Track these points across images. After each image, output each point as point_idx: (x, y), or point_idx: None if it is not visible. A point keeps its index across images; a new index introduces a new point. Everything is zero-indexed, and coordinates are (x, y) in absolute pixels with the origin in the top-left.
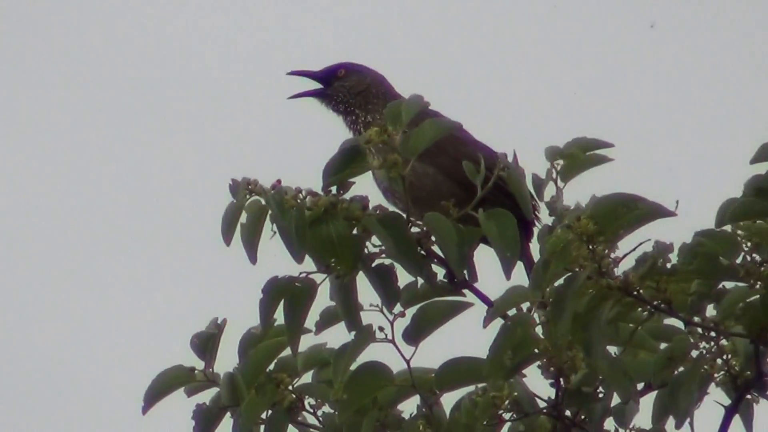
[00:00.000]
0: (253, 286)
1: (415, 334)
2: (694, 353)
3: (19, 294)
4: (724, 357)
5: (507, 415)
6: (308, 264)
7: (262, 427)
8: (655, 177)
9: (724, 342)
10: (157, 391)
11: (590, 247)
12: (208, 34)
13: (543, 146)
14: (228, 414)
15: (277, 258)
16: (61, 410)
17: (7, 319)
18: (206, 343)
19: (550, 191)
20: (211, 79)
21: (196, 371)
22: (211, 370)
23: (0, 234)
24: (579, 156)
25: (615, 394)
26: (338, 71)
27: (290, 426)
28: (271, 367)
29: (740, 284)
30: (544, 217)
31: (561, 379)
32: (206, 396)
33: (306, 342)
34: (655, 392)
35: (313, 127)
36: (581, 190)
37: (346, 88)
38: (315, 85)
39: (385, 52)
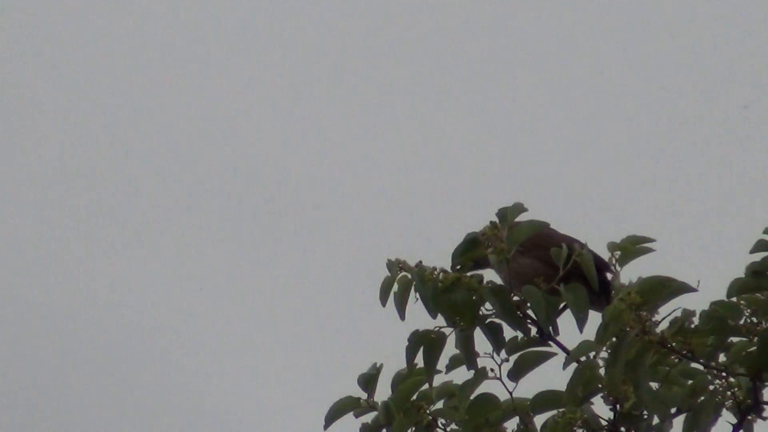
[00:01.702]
0: (401, 337)
1: (516, 373)
2: (711, 387)
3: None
4: (732, 390)
5: (579, 431)
6: (440, 321)
7: None
8: (684, 262)
9: (732, 379)
10: (334, 414)
11: (637, 313)
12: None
13: (605, 239)
14: (384, 430)
15: (418, 316)
16: None
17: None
18: (368, 380)
19: (611, 273)
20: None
21: (361, 400)
22: (372, 399)
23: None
24: (631, 248)
25: (655, 416)
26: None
27: None
28: (414, 397)
29: (743, 339)
30: None
31: (617, 406)
32: (368, 418)
33: (439, 379)
34: (684, 415)
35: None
36: (633, 271)
37: None
38: None
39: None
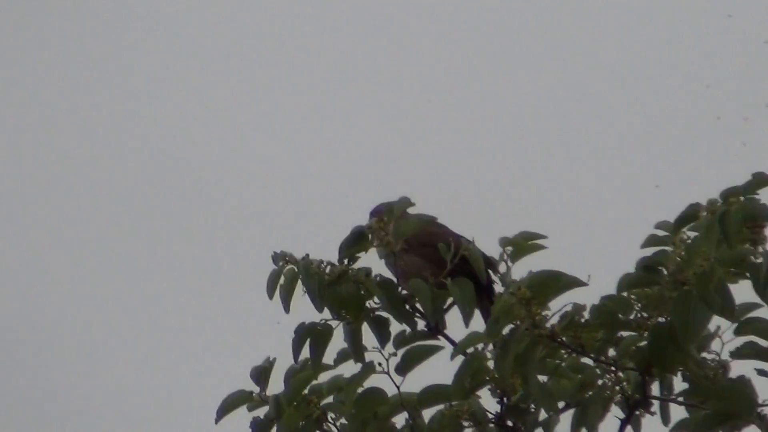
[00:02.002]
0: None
1: (403, 367)
2: (600, 382)
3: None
4: (621, 385)
5: (466, 423)
6: (327, 314)
7: None
8: (575, 257)
9: (621, 374)
10: (226, 407)
11: (527, 308)
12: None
13: (497, 235)
14: (275, 424)
15: (309, 311)
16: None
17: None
18: (260, 374)
19: (502, 268)
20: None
21: (253, 394)
22: (264, 393)
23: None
24: (523, 244)
25: (543, 410)
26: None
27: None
28: (306, 391)
29: (632, 333)
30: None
31: (505, 399)
32: (261, 412)
33: (330, 373)
34: (572, 409)
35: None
36: (525, 267)
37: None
38: None
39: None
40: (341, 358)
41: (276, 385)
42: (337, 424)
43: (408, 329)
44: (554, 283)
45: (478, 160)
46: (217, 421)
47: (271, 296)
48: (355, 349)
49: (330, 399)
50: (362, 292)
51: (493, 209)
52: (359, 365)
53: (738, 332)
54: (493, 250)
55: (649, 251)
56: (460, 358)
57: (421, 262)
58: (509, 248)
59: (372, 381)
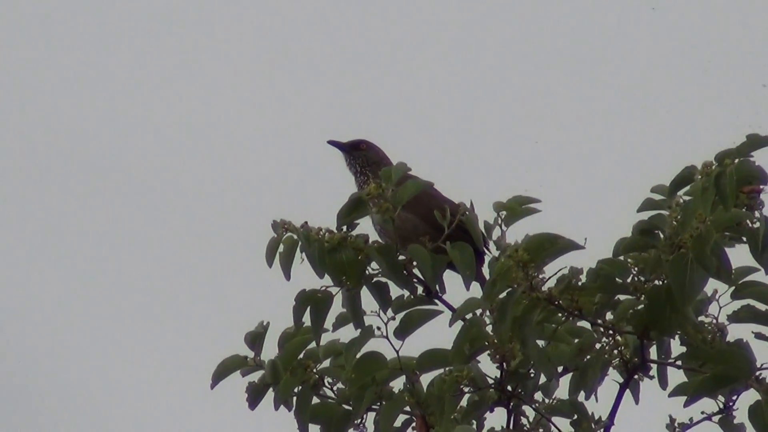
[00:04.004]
0: (287, 297)
1: (402, 332)
2: (598, 346)
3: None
4: (619, 348)
5: (466, 389)
6: (327, 281)
7: (295, 398)
8: (571, 221)
9: (618, 338)
10: (220, 373)
11: (524, 271)
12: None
13: (492, 200)
14: (270, 389)
15: (304, 277)
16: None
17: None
18: (255, 339)
19: (496, 233)
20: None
21: (248, 358)
22: (258, 357)
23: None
24: (516, 208)
25: (542, 375)
26: (361, 144)
27: (314, 397)
28: (301, 355)
29: (630, 297)
30: (493, 252)
31: (504, 364)
32: (255, 376)
33: (326, 338)
34: (571, 373)
35: (332, 184)
36: (519, 232)
37: (365, 158)
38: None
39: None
40: (339, 322)
41: (270, 351)
42: (334, 389)
43: (407, 294)
44: (551, 245)
45: (468, 122)
46: (213, 386)
47: (270, 264)
48: (354, 314)
49: (326, 363)
50: (361, 258)
51: (488, 170)
52: (357, 330)
53: (735, 296)
54: (487, 214)
55: (646, 215)
56: (458, 324)
57: (416, 219)
58: (503, 212)
59: (371, 345)
